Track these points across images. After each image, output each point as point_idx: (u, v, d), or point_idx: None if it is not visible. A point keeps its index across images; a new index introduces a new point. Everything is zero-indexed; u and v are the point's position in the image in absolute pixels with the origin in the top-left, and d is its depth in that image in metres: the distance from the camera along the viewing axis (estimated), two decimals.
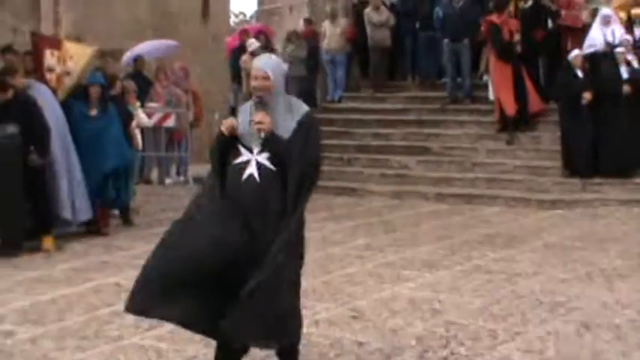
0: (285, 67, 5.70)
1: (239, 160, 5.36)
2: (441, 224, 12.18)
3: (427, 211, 13.41)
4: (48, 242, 10.36)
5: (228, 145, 5.41)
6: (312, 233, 11.08)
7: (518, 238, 11.02)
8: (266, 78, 5.31)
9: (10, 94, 10.19)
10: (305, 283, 8.19)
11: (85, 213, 11.10)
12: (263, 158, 5.30)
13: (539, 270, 9.07)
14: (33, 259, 9.89)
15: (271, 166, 5.29)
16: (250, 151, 5.34)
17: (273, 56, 5.89)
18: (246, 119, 5.38)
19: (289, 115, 5.36)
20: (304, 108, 5.47)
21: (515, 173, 14.79)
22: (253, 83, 5.39)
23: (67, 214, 10.78)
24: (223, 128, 5.38)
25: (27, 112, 10.21)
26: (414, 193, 14.73)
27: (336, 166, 16.14)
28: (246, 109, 5.45)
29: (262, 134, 5.26)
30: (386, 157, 16.12)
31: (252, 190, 5.28)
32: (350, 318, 7.26)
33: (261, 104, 5.34)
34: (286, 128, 5.31)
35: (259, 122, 5.25)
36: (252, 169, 5.31)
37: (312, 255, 9.65)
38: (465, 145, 15.91)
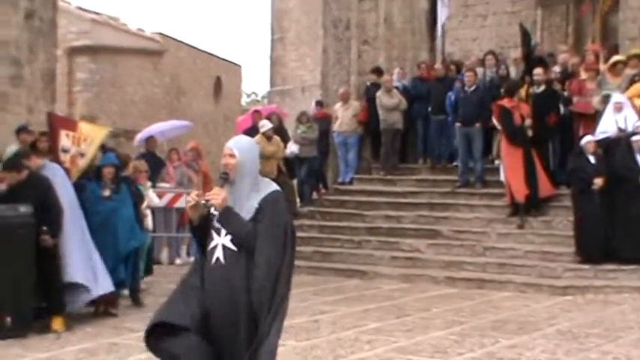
0: (256, 149, 5.74)
1: (211, 245, 5.43)
2: (451, 309, 12.09)
3: (438, 295, 13.34)
4: (58, 323, 10.32)
5: (198, 230, 5.49)
6: (323, 316, 11.17)
7: (530, 324, 10.92)
8: (232, 156, 5.40)
9: (24, 174, 10.30)
10: None
11: (106, 287, 11.09)
12: (227, 240, 5.35)
13: (553, 358, 8.99)
14: (43, 339, 9.85)
15: (233, 247, 5.33)
16: (218, 233, 5.39)
17: (248, 138, 5.95)
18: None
19: (254, 194, 5.41)
20: (271, 188, 5.50)
21: (527, 258, 14.72)
22: (222, 160, 5.48)
23: (83, 281, 10.79)
24: (187, 207, 5.47)
25: (41, 192, 10.30)
26: (424, 276, 14.68)
27: (346, 248, 16.21)
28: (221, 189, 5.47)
29: (213, 208, 5.34)
30: (396, 240, 16.12)
31: (219, 273, 5.35)
32: None
33: (225, 181, 5.40)
34: (249, 208, 5.36)
35: (213, 194, 5.33)
36: (218, 253, 5.37)
37: (322, 338, 9.70)
38: (476, 229, 15.90)
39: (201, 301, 5.38)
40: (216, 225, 5.39)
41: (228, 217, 5.33)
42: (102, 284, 10.99)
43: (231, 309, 5.29)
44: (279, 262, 5.31)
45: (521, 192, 15.56)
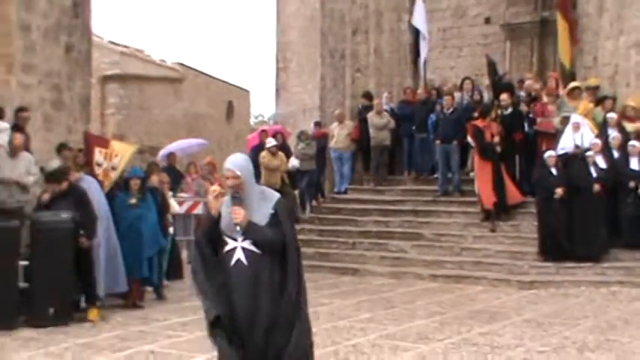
0: (250, 162, 5.60)
1: (226, 248, 5.40)
2: (433, 301, 12.10)
3: (421, 290, 13.34)
4: (93, 314, 10.39)
5: (215, 231, 5.43)
6: (322, 307, 11.18)
7: (500, 314, 10.95)
8: (236, 177, 5.35)
9: (65, 186, 10.37)
10: (316, 352, 8.21)
11: (121, 286, 11.17)
12: (247, 244, 5.34)
13: (520, 343, 9.02)
14: (81, 327, 9.91)
15: (256, 250, 5.33)
16: (235, 239, 5.36)
17: (241, 155, 5.72)
18: (227, 211, 5.40)
19: (263, 202, 5.41)
20: (276, 195, 5.51)
21: (498, 257, 14.70)
22: (227, 182, 5.41)
23: (100, 291, 10.86)
24: (211, 197, 5.45)
25: (79, 201, 10.37)
26: (409, 273, 14.68)
27: (342, 249, 16.20)
28: (227, 202, 5.44)
29: (238, 227, 5.30)
30: (385, 242, 16.09)
31: (242, 271, 5.32)
32: None
33: (237, 199, 5.36)
34: (262, 215, 5.36)
35: (234, 214, 5.30)
36: (239, 255, 5.34)
37: (321, 326, 9.72)
38: (454, 232, 15.89)
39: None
40: (231, 233, 5.38)
41: (252, 230, 5.32)
42: (121, 284, 11.09)
43: (255, 301, 5.30)
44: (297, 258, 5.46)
45: (489, 200, 15.58)
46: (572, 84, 16.01)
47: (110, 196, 11.55)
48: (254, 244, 5.33)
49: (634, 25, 15.65)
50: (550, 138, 15.46)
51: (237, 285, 5.34)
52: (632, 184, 13.97)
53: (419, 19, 19.15)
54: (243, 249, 5.34)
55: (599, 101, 15.54)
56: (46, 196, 10.40)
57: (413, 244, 15.81)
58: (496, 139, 15.59)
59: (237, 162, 5.43)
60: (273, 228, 5.37)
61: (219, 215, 5.41)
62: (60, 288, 10.07)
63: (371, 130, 18.20)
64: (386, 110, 18.38)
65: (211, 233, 5.46)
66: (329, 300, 12.04)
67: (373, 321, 10.36)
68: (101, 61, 26.57)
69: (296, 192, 18.93)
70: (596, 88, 15.84)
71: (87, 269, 10.43)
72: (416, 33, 19.38)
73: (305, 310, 5.46)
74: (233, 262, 5.36)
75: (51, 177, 10.52)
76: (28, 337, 9.35)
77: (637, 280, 13.26)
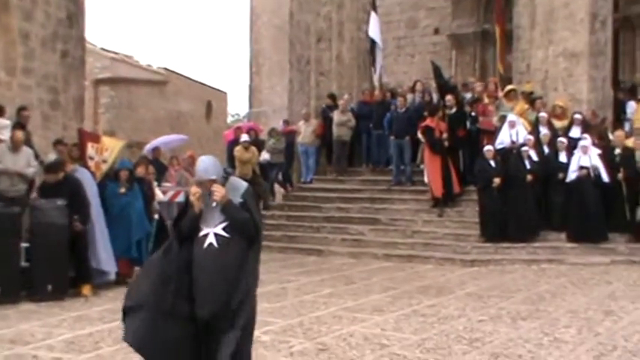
0: (217, 163, 5.40)
1: (200, 234, 5.29)
2: (387, 278, 12.14)
3: (377, 268, 13.36)
4: (86, 289, 10.37)
5: (194, 223, 5.31)
6: (289, 284, 11.23)
7: (445, 289, 11.02)
8: (213, 181, 5.26)
9: (61, 175, 10.35)
10: (283, 322, 8.28)
11: (111, 266, 11.15)
12: (219, 229, 5.26)
13: (462, 313, 9.11)
14: (75, 302, 9.90)
15: (225, 234, 5.25)
16: (207, 224, 5.29)
17: (208, 158, 5.45)
18: (205, 204, 5.29)
19: (232, 192, 5.32)
20: (243, 185, 5.44)
21: (444, 239, 14.79)
22: (200, 187, 5.29)
23: (102, 265, 10.85)
24: (194, 199, 5.26)
25: (73, 190, 10.34)
26: (367, 253, 14.70)
27: (307, 233, 16.20)
28: (204, 195, 5.29)
29: (215, 203, 5.21)
30: (345, 226, 16.12)
31: (212, 254, 5.23)
32: (318, 350, 7.27)
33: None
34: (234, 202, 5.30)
35: (216, 192, 5.21)
36: (211, 239, 5.25)
37: (288, 301, 9.77)
38: (407, 217, 15.92)
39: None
40: (207, 217, 5.28)
41: (230, 208, 5.25)
42: (108, 264, 11.07)
43: (222, 282, 5.19)
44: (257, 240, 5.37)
45: (438, 189, 15.69)
46: (509, 87, 16.20)
47: (101, 186, 11.50)
48: (225, 228, 5.26)
49: (561, 37, 15.87)
50: (490, 135, 15.55)
51: (204, 265, 5.24)
52: (560, 175, 14.16)
53: (374, 30, 19.22)
54: (215, 234, 5.26)
55: (531, 102, 15.71)
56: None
57: (370, 227, 15.86)
58: (444, 136, 15.67)
59: (209, 169, 5.30)
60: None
61: (201, 212, 5.32)
62: (57, 267, 10.06)
63: (334, 127, 18.23)
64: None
65: (191, 225, 5.34)
66: (295, 277, 12.08)
67: (334, 296, 10.39)
68: (94, 66, 26.37)
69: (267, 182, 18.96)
70: (531, 93, 16.02)
71: (80, 250, 10.41)
72: (372, 42, 19.45)
73: (254, 293, 5.37)
74: (205, 245, 5.27)
75: (49, 168, 10.51)
76: (28, 310, 9.33)
77: (562, 258, 13.44)
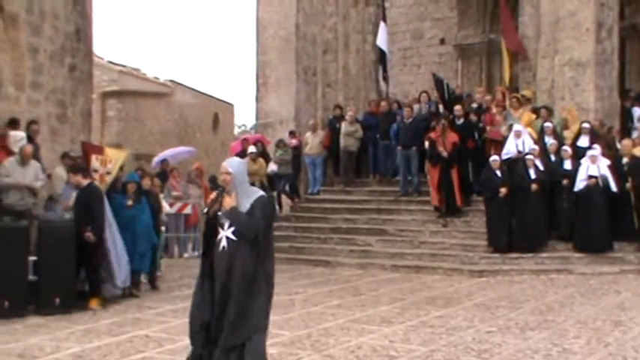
0: (244, 166, 6.00)
1: (218, 237, 5.73)
2: (395, 289, 12.12)
3: (385, 279, 13.33)
4: (95, 302, 10.36)
5: (213, 222, 5.76)
6: (297, 295, 11.21)
7: (453, 299, 10.99)
8: (228, 173, 5.70)
9: (85, 183, 10.40)
10: (290, 334, 8.24)
11: (126, 280, 11.13)
12: (229, 233, 5.66)
13: (471, 324, 9.09)
14: (83, 314, 9.88)
15: (234, 238, 5.64)
16: (223, 228, 5.70)
17: (238, 159, 6.25)
18: (220, 208, 5.77)
19: (246, 198, 5.72)
20: (259, 193, 5.83)
21: (452, 249, 14.75)
22: (220, 177, 5.82)
23: (114, 281, 10.83)
24: (209, 202, 5.88)
25: (92, 199, 10.36)
26: (374, 264, 14.66)
27: (314, 244, 16.19)
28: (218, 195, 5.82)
29: (223, 210, 5.68)
30: (353, 237, 16.07)
31: (224, 257, 5.66)
32: None
33: (226, 191, 5.74)
34: (243, 207, 5.69)
35: (226, 200, 5.70)
36: (223, 243, 5.68)
37: (296, 312, 9.75)
38: (414, 228, 15.89)
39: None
40: (222, 221, 5.68)
41: (233, 213, 5.66)
42: (122, 278, 11.05)
43: (227, 279, 5.61)
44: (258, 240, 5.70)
45: (434, 199, 15.74)
46: (512, 95, 16.18)
47: (107, 198, 11.49)
48: (234, 232, 5.64)
49: (567, 46, 15.87)
50: (498, 145, 15.51)
51: (218, 264, 5.69)
52: (565, 181, 14.11)
53: (382, 40, 19.23)
54: (227, 237, 5.66)
55: (534, 110, 15.71)
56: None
57: (377, 238, 15.84)
58: (440, 148, 15.57)
59: (231, 162, 5.84)
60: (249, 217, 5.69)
61: (215, 215, 5.76)
62: (64, 280, 10.06)
63: (341, 138, 18.21)
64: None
65: (209, 224, 5.79)
66: (303, 289, 12.06)
67: (342, 307, 10.37)
68: (101, 79, 26.46)
69: (274, 193, 18.95)
70: (529, 100, 16.01)
71: (91, 262, 10.40)
72: (380, 52, 19.45)
73: (268, 298, 5.78)
74: (220, 249, 5.69)
75: (75, 168, 10.72)
76: (36, 323, 9.32)
77: (571, 267, 13.39)
